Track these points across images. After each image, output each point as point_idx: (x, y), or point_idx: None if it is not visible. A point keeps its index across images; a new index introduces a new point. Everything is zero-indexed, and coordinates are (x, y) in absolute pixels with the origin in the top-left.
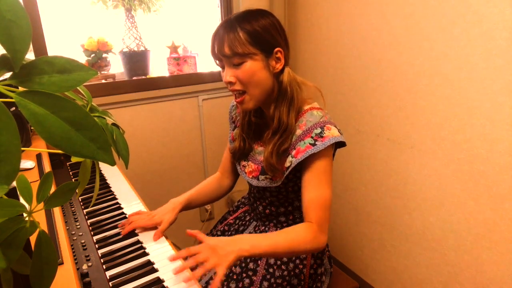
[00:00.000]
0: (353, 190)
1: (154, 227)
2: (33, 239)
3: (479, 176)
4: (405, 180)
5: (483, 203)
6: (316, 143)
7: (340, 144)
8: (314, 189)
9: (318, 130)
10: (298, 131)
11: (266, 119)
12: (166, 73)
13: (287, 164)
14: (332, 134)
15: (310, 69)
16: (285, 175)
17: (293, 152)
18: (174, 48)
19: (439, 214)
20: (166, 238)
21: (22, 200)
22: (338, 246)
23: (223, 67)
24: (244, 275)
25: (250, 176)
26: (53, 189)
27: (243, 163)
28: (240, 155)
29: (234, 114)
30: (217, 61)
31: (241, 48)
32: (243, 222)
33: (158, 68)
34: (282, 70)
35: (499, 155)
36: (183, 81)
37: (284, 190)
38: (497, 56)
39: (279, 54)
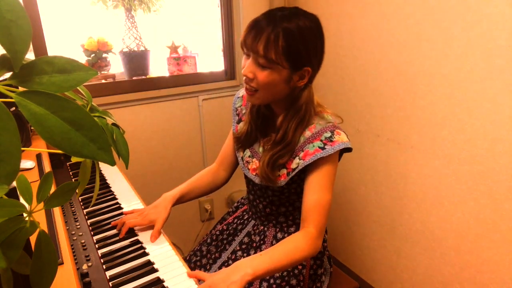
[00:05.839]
0: (353, 190)
1: (150, 226)
2: (33, 239)
3: (479, 176)
4: (405, 180)
5: (483, 203)
6: (326, 147)
7: (345, 150)
8: (317, 192)
9: (328, 134)
10: (307, 133)
11: (274, 114)
12: (166, 73)
13: (294, 165)
14: (341, 139)
15: None
16: (290, 176)
17: (301, 154)
18: (174, 48)
19: (439, 214)
20: (166, 237)
21: (22, 200)
22: (338, 246)
23: (248, 56)
24: None
25: (254, 173)
26: (53, 189)
27: (247, 158)
28: (244, 140)
29: (239, 106)
30: (244, 49)
31: (275, 56)
32: (242, 221)
33: (158, 68)
34: (304, 87)
35: (499, 155)
36: (183, 81)
37: (287, 191)
38: (497, 56)
39: (306, 73)
